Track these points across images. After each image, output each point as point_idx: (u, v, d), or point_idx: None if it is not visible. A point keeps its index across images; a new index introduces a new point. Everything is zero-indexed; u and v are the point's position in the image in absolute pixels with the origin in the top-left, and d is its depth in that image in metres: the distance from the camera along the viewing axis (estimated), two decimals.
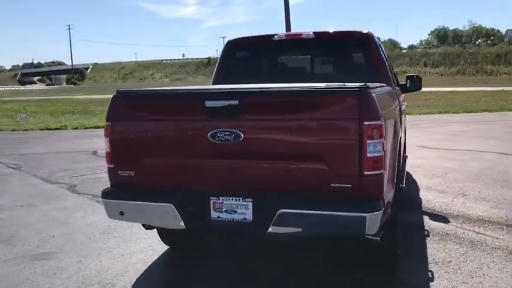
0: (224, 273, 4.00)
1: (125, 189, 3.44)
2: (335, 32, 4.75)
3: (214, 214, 3.26)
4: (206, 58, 74.46)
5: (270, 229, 3.07)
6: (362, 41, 4.62)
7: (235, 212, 3.22)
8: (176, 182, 3.34)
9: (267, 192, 3.14)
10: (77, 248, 4.58)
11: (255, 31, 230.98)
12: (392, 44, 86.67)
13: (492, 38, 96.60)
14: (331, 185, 2.99)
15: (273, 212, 3.03)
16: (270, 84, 3.32)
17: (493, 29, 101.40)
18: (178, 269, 4.13)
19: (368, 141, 2.89)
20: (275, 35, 4.84)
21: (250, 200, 3.17)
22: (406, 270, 3.87)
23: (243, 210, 3.20)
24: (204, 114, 3.15)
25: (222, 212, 3.25)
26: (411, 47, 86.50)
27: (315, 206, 2.97)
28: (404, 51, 62.97)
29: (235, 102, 3.05)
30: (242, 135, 3.07)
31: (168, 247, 4.48)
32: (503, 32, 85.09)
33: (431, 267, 3.91)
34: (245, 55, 5.07)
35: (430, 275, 3.76)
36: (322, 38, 4.73)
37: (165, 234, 4.28)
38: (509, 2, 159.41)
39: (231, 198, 3.22)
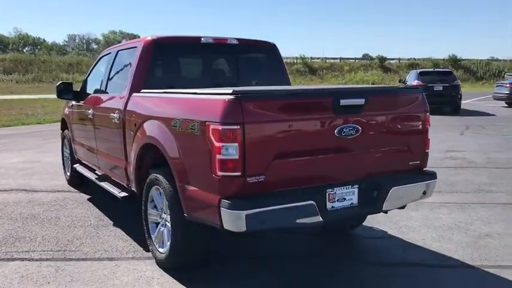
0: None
1: (258, 196, 3.17)
2: (254, 40, 5.23)
3: (329, 205, 3.52)
4: None
5: (384, 206, 3.67)
6: (274, 49, 5.34)
7: (345, 199, 3.60)
8: (304, 180, 3.39)
9: (368, 177, 3.70)
10: None
11: None
12: None
13: (39, 46, 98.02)
14: (410, 163, 3.90)
15: (386, 191, 3.65)
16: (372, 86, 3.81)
17: (39, 38, 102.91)
18: None
19: (427, 126, 3.97)
20: (202, 37, 4.87)
21: (356, 185, 3.64)
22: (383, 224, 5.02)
23: (350, 196, 3.63)
24: (332, 112, 3.41)
25: (335, 201, 3.56)
26: None
27: (414, 180, 3.82)
28: None
29: (363, 100, 3.49)
30: (360, 129, 3.54)
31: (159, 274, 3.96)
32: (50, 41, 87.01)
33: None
34: (170, 56, 4.78)
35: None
36: (244, 45, 5.11)
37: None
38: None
39: (342, 187, 3.58)
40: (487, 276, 3.90)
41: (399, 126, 3.83)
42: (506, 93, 21.79)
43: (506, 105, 22.36)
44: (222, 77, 5.16)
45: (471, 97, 27.85)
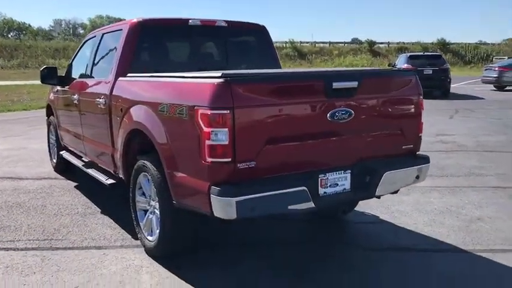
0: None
1: (248, 183, 3.08)
2: (243, 22, 5.11)
3: (321, 191, 3.45)
4: None
5: (377, 191, 3.61)
6: (264, 32, 5.22)
7: (337, 184, 3.53)
8: (296, 165, 3.31)
9: (361, 162, 3.63)
10: None
11: None
12: None
13: (24, 31, 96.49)
14: (403, 147, 3.84)
15: (379, 176, 3.59)
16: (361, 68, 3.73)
17: (24, 23, 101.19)
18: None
19: (421, 110, 3.90)
20: (189, 19, 4.74)
21: (349, 171, 3.57)
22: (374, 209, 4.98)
23: (343, 181, 3.56)
24: (324, 96, 3.32)
25: (327, 187, 3.49)
26: None
27: (407, 164, 3.76)
28: None
29: (355, 83, 3.40)
30: (353, 113, 3.45)
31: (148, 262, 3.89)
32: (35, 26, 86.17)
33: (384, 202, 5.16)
34: (157, 38, 4.65)
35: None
36: (233, 27, 4.99)
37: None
38: None
39: (334, 172, 3.50)
40: (480, 260, 3.88)
41: (392, 110, 3.75)
42: (494, 77, 21.86)
43: (495, 89, 22.43)
44: (210, 60, 5.04)
45: (460, 81, 27.89)
